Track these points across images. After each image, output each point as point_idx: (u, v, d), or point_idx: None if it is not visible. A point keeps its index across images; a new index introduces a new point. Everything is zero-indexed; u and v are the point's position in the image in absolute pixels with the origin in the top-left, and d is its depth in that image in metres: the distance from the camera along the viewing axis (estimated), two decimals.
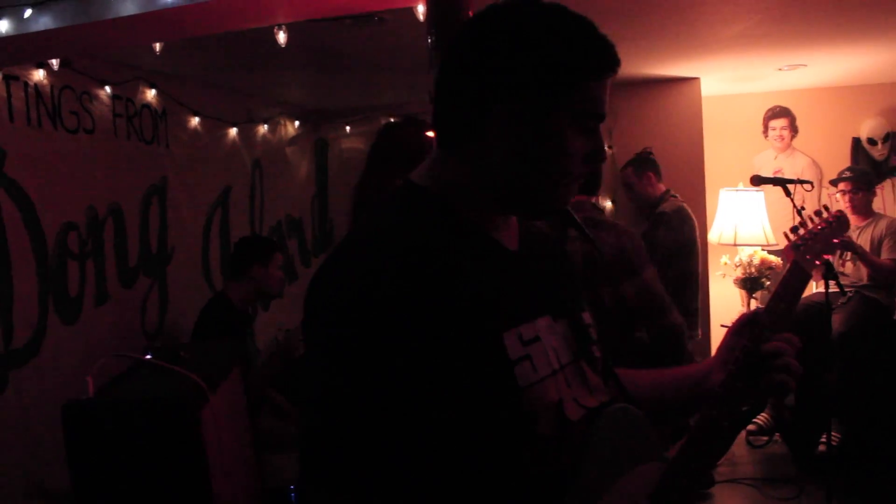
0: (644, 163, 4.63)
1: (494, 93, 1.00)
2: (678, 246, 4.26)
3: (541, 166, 1.02)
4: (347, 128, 5.87)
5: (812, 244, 1.31)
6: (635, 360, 2.70)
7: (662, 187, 4.61)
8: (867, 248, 4.41)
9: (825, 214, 1.36)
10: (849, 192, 4.51)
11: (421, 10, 2.22)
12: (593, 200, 2.92)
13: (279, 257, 3.80)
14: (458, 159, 1.06)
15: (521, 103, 1.00)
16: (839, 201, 4.72)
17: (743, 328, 1.21)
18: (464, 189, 1.05)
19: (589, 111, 1.02)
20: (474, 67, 1.02)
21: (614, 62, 1.02)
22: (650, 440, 1.12)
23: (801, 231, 1.33)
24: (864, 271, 4.43)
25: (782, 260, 4.79)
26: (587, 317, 1.17)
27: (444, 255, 0.97)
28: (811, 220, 1.35)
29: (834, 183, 4.61)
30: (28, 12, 2.26)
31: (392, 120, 2.38)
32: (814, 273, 1.31)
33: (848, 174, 4.57)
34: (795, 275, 1.26)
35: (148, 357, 2.36)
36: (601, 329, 1.22)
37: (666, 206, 4.41)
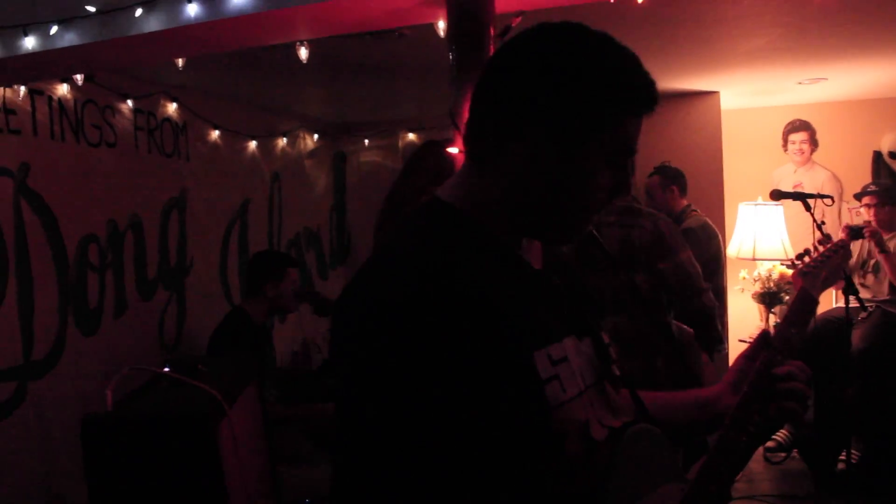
0: (672, 176, 4.59)
1: (531, 115, 0.99)
2: (705, 261, 4.24)
3: (565, 196, 1.02)
4: (366, 141, 5.90)
5: (819, 271, 1.33)
6: (668, 351, 2.77)
7: (684, 202, 4.59)
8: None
9: (829, 244, 1.38)
10: (874, 206, 4.47)
11: (442, 25, 2.23)
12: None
13: (293, 273, 3.77)
14: (484, 177, 1.05)
15: (556, 130, 0.99)
16: (861, 215, 4.67)
17: (756, 352, 1.21)
18: (490, 207, 1.04)
19: (621, 147, 1.02)
20: (515, 86, 1.01)
21: (654, 100, 1.02)
22: (671, 461, 1.11)
23: (808, 258, 1.35)
24: (885, 285, 4.39)
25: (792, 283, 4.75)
26: (606, 337, 1.16)
27: (477, 274, 0.96)
28: (815, 248, 1.38)
29: (858, 197, 4.56)
30: (54, 29, 2.29)
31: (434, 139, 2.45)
32: (833, 288, 1.33)
33: (873, 188, 4.53)
34: (804, 300, 1.27)
35: (166, 370, 2.37)
36: (624, 342, 1.23)
37: (691, 222, 4.38)
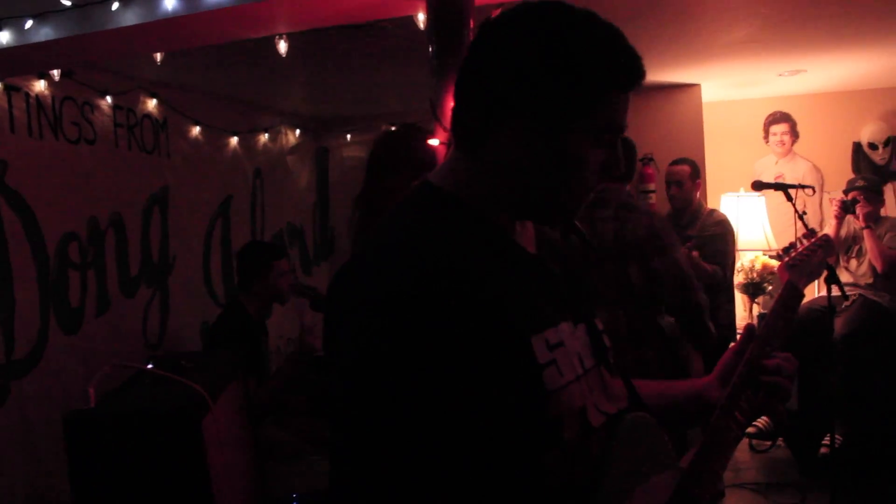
0: (697, 168, 4.59)
1: (517, 97, 0.98)
2: (732, 251, 4.35)
3: (556, 176, 1.01)
4: (348, 136, 5.88)
5: (804, 264, 1.37)
6: (658, 344, 2.80)
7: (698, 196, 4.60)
8: None
9: (814, 238, 1.43)
10: (861, 199, 4.50)
11: (421, 17, 2.23)
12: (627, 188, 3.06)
13: (280, 265, 3.74)
14: (474, 162, 1.04)
15: (544, 110, 0.98)
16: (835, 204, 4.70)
17: (744, 346, 1.22)
18: (482, 192, 1.04)
19: (611, 122, 1.01)
20: (499, 68, 1.00)
21: (640, 74, 1.01)
22: (666, 449, 1.12)
23: (793, 252, 1.39)
24: (866, 266, 4.43)
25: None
26: (600, 323, 1.16)
27: (473, 260, 0.96)
28: (801, 242, 1.42)
29: (846, 192, 4.58)
30: (29, 23, 2.27)
31: (392, 128, 2.31)
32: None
33: (860, 183, 4.55)
34: (790, 293, 1.31)
35: (149, 367, 2.36)
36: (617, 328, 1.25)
37: (719, 215, 4.42)
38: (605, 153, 1.02)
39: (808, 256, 1.38)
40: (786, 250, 1.39)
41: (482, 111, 1.01)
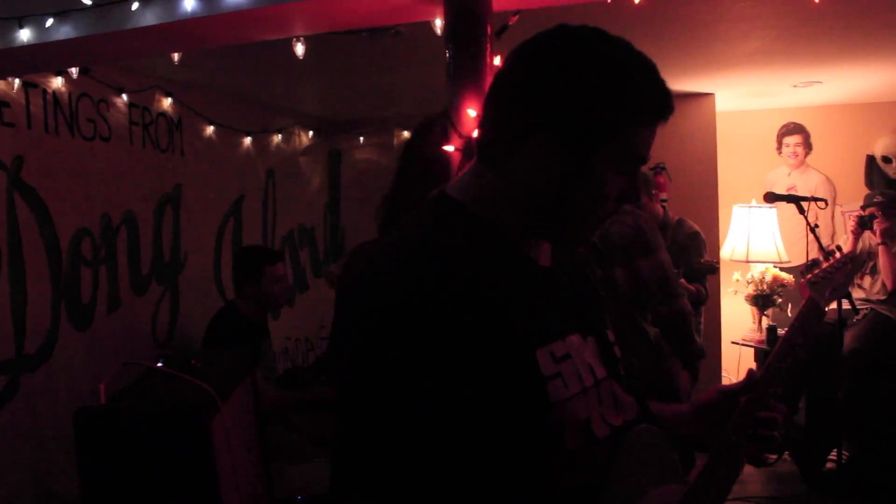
0: (650, 182, 4.52)
1: (545, 118, 0.99)
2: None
3: (574, 201, 1.02)
4: (361, 139, 5.89)
5: (828, 282, 1.34)
6: (642, 349, 2.77)
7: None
8: None
9: (838, 254, 1.39)
10: (879, 215, 4.47)
11: (439, 23, 2.23)
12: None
13: (274, 270, 3.75)
14: (496, 176, 1.05)
15: (569, 135, 0.99)
16: (852, 220, 4.68)
17: (741, 391, 1.20)
18: (499, 205, 1.05)
19: (634, 155, 1.02)
20: (531, 88, 1.00)
21: (670, 111, 1.02)
22: (672, 461, 1.12)
23: (817, 269, 1.36)
24: (879, 284, 4.40)
25: (794, 282, 4.77)
26: (612, 335, 1.17)
27: (483, 271, 0.97)
28: (824, 258, 1.39)
29: (864, 207, 4.56)
30: (49, 21, 2.28)
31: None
32: None
33: (878, 199, 4.53)
34: (811, 311, 1.27)
35: (160, 365, 2.37)
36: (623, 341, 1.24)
37: (692, 226, 4.33)
38: (624, 182, 1.03)
39: (832, 274, 1.35)
40: (809, 267, 1.37)
41: (510, 128, 1.02)
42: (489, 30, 2.05)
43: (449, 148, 1.98)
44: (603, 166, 1.00)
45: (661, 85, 1.01)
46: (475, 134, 1.81)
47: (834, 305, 3.57)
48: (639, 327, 2.82)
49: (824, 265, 1.37)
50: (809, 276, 1.34)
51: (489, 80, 1.10)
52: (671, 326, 2.82)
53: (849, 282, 1.40)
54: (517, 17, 2.30)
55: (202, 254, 4.46)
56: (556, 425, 0.98)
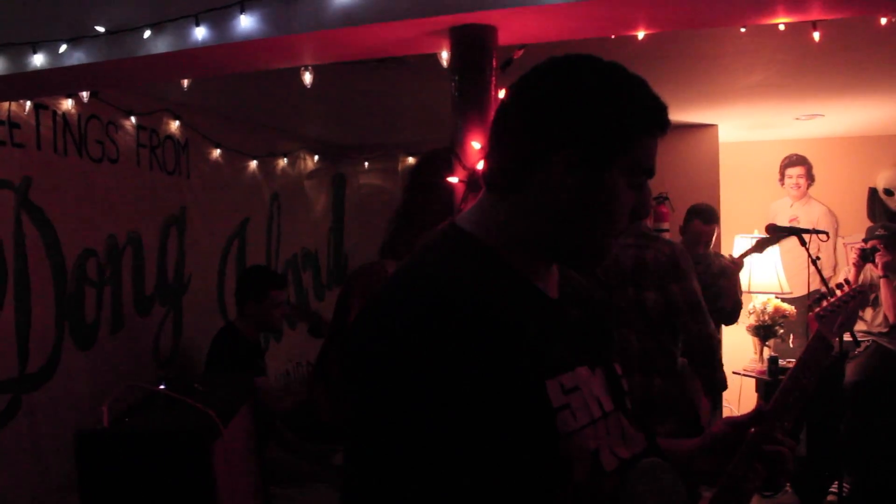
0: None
1: (553, 143, 1.03)
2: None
3: (591, 218, 1.05)
4: (366, 164, 5.94)
5: (835, 315, 1.35)
6: (667, 373, 2.83)
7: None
8: None
9: (846, 288, 1.39)
10: (881, 248, 4.49)
11: (445, 56, 2.26)
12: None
13: (277, 296, 3.78)
14: (507, 206, 1.08)
15: (579, 155, 1.02)
16: (854, 252, 4.69)
17: (748, 423, 1.22)
18: (510, 236, 1.07)
19: (641, 165, 1.06)
20: (535, 117, 1.05)
21: (666, 119, 1.07)
22: (680, 494, 1.13)
23: (825, 302, 1.37)
24: (881, 317, 4.41)
25: (796, 313, 4.76)
26: (619, 368, 1.18)
27: (493, 302, 0.99)
28: (831, 290, 1.40)
29: (866, 240, 4.57)
30: (63, 47, 2.32)
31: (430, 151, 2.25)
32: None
33: (880, 232, 4.54)
34: (819, 345, 1.29)
35: (162, 388, 2.38)
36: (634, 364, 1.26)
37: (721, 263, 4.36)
38: (635, 195, 1.07)
39: (840, 307, 1.36)
40: (816, 300, 1.37)
41: (519, 157, 1.06)
42: (494, 63, 2.08)
43: (453, 179, 2.00)
44: (615, 181, 1.04)
45: (655, 97, 1.07)
46: (480, 166, 1.84)
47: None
48: (667, 350, 2.90)
49: (832, 299, 1.38)
50: (818, 309, 1.35)
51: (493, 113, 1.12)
52: (699, 351, 2.94)
53: (856, 315, 1.41)
54: (522, 51, 2.34)
55: (206, 275, 4.47)
56: (565, 456, 0.99)
